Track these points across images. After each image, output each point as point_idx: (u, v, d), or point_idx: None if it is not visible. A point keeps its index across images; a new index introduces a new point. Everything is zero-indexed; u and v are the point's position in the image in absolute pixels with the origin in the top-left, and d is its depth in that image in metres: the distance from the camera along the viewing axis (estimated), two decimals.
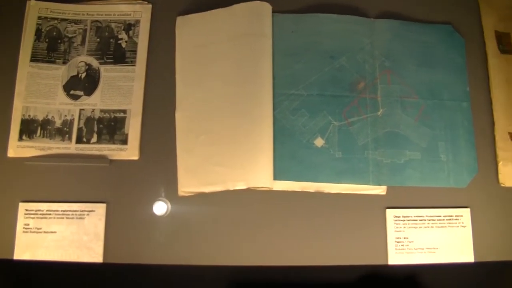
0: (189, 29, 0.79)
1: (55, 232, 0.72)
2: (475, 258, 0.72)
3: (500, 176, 0.76)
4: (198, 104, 0.75)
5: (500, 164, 0.76)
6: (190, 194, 0.72)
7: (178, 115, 0.75)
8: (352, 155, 0.74)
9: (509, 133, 0.78)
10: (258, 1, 0.77)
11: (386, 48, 0.79)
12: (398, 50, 0.79)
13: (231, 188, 0.70)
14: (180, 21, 0.79)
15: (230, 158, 0.71)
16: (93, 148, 0.75)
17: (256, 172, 0.70)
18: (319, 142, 0.74)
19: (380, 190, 0.73)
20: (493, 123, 0.78)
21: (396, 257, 0.71)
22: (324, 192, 0.73)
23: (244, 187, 0.69)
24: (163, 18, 0.81)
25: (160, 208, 0.69)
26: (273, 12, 0.79)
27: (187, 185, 0.72)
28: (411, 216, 0.73)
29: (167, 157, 0.74)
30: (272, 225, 0.72)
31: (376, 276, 0.75)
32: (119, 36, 0.80)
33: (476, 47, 0.82)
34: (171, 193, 0.73)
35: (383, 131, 0.75)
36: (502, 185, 0.75)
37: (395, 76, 0.78)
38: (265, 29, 0.76)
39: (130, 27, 0.80)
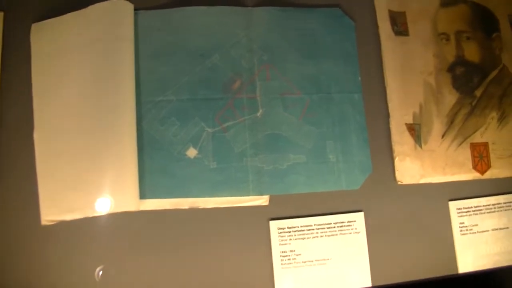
0: (45, 37, 0.70)
1: None
2: (370, 265, 0.66)
3: (397, 173, 0.69)
4: (57, 122, 0.67)
5: (397, 160, 0.69)
6: (52, 223, 0.65)
7: (36, 136, 0.67)
8: (229, 164, 0.66)
9: (405, 124, 0.70)
10: (115, 0, 0.68)
11: (265, 39, 0.71)
12: (278, 41, 0.71)
13: (91, 215, 0.63)
14: (36, 28, 0.71)
15: (88, 181, 0.64)
16: None
17: (116, 195, 0.63)
18: (191, 152, 0.67)
19: (262, 200, 0.66)
20: (388, 115, 0.71)
21: (282, 272, 0.64)
22: (200, 208, 0.66)
23: (103, 213, 0.62)
24: (17, 26, 0.72)
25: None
26: (137, 9, 0.70)
27: (48, 213, 0.65)
28: (298, 227, 0.66)
29: (28, 183, 0.67)
30: (138, 252, 0.64)
31: None
32: None
33: (368, 30, 0.74)
34: (35, 223, 0.65)
35: (263, 134, 0.68)
36: (399, 183, 0.69)
37: (275, 71, 0.70)
38: (124, 31, 0.68)
39: None
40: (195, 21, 0.71)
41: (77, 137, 0.66)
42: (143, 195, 0.65)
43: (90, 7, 0.69)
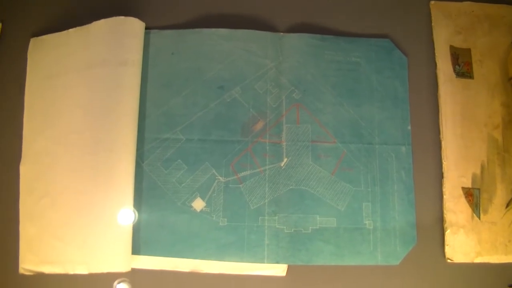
0: (42, 55, 0.61)
1: None
2: None
3: (447, 248, 0.56)
4: (44, 156, 0.57)
5: (448, 232, 0.56)
6: (30, 273, 0.55)
7: (22, 169, 0.58)
8: (242, 223, 0.55)
9: (462, 188, 0.57)
10: (123, 17, 0.58)
11: (298, 73, 0.59)
12: (313, 76, 0.59)
13: (71, 272, 0.53)
14: (34, 44, 0.62)
15: (71, 230, 0.54)
16: None
17: (103, 252, 0.52)
18: (198, 204, 0.56)
19: (279, 270, 0.55)
20: (441, 175, 0.58)
21: None
22: (202, 272, 0.55)
23: (85, 272, 0.52)
24: (16, 40, 0.63)
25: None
26: (150, 28, 0.60)
27: (27, 262, 0.56)
28: None
29: (10, 223, 0.57)
30: None
31: None
32: None
33: (423, 68, 0.61)
34: (13, 270, 0.56)
35: (286, 189, 0.56)
36: (449, 260, 0.56)
37: (306, 112, 0.58)
38: (131, 55, 0.58)
39: None
40: (216, 45, 0.60)
41: (63, 176, 0.56)
42: (136, 250, 0.54)
43: (94, 24, 0.59)
